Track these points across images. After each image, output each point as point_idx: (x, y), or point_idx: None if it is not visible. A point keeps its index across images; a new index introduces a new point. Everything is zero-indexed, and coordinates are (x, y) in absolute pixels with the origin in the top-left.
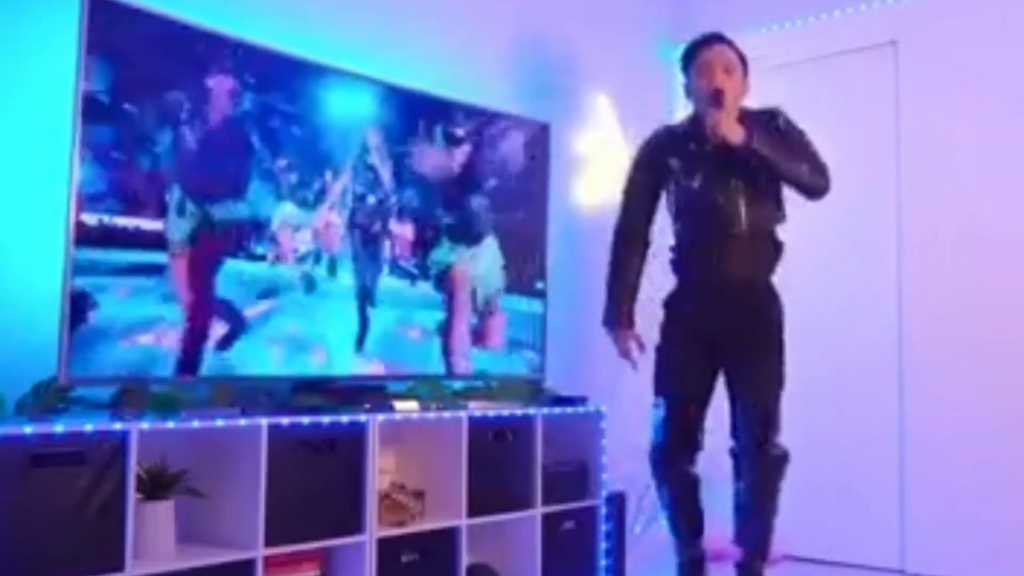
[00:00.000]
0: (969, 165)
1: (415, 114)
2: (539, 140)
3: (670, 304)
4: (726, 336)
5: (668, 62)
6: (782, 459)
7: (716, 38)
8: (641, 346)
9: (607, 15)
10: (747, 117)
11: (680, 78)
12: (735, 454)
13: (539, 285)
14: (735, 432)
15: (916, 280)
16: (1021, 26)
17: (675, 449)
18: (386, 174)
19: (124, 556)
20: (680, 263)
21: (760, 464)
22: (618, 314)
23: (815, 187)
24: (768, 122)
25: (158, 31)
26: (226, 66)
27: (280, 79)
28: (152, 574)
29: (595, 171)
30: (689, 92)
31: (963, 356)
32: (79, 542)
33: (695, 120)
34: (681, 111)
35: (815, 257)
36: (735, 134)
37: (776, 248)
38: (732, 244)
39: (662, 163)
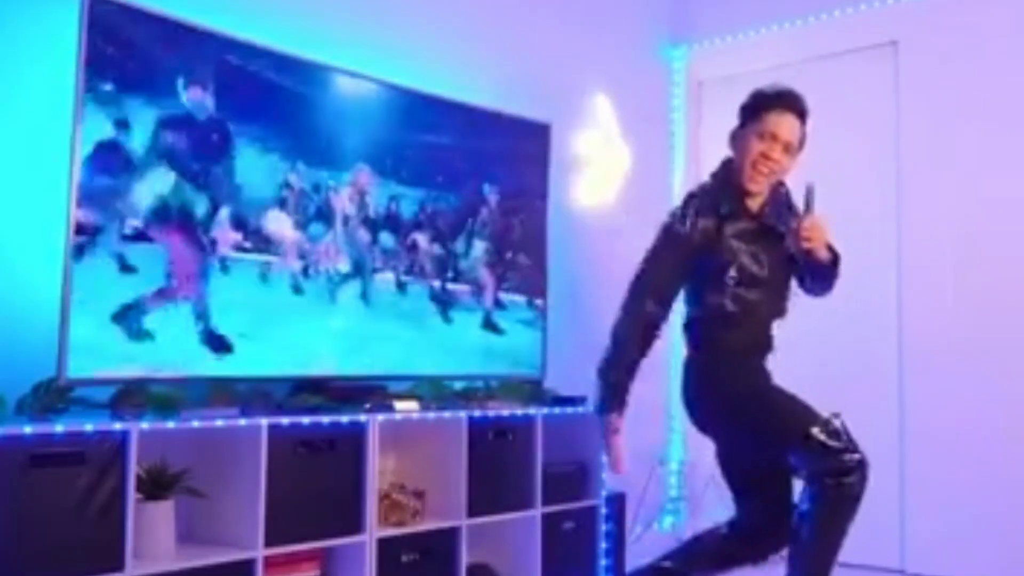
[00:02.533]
0: (969, 165)
1: (415, 114)
2: (539, 140)
3: (729, 354)
4: None
5: (668, 62)
6: None
7: (794, 105)
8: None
9: (607, 15)
10: (779, 192)
11: (735, 119)
12: None
13: (539, 285)
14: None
15: (916, 280)
16: (1021, 26)
17: None
18: (387, 175)
19: (124, 556)
20: (727, 326)
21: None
22: (619, 401)
23: (828, 292)
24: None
25: (158, 31)
26: (227, 66)
27: (281, 79)
28: (152, 574)
29: (595, 171)
30: (735, 139)
31: (963, 357)
32: (79, 542)
33: (733, 187)
34: (682, 117)
35: None
36: (823, 251)
37: None
38: (771, 324)
39: (716, 239)
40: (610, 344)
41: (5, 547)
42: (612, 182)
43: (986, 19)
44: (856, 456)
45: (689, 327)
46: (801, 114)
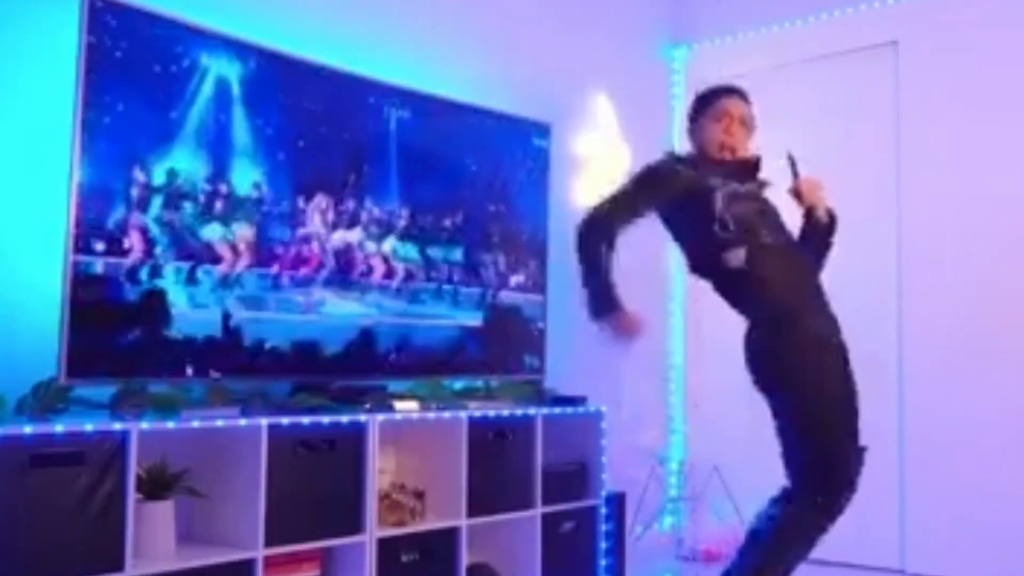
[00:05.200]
0: (969, 165)
1: (415, 114)
2: (539, 140)
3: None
4: None
5: (668, 62)
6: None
7: (736, 89)
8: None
9: (607, 16)
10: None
11: (685, 123)
12: None
13: (539, 285)
14: None
15: (916, 280)
16: (1021, 26)
17: None
18: (387, 173)
19: (124, 556)
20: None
21: None
22: (612, 297)
23: (821, 262)
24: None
25: (158, 31)
26: (228, 66)
27: (281, 78)
28: (152, 574)
29: (595, 171)
30: (693, 134)
31: (963, 356)
32: (79, 542)
33: (706, 157)
34: (682, 115)
35: None
36: (821, 210)
37: None
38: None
39: (697, 180)
40: (580, 264)
41: (5, 547)
42: (612, 182)
43: (986, 19)
44: (849, 500)
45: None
46: (743, 96)
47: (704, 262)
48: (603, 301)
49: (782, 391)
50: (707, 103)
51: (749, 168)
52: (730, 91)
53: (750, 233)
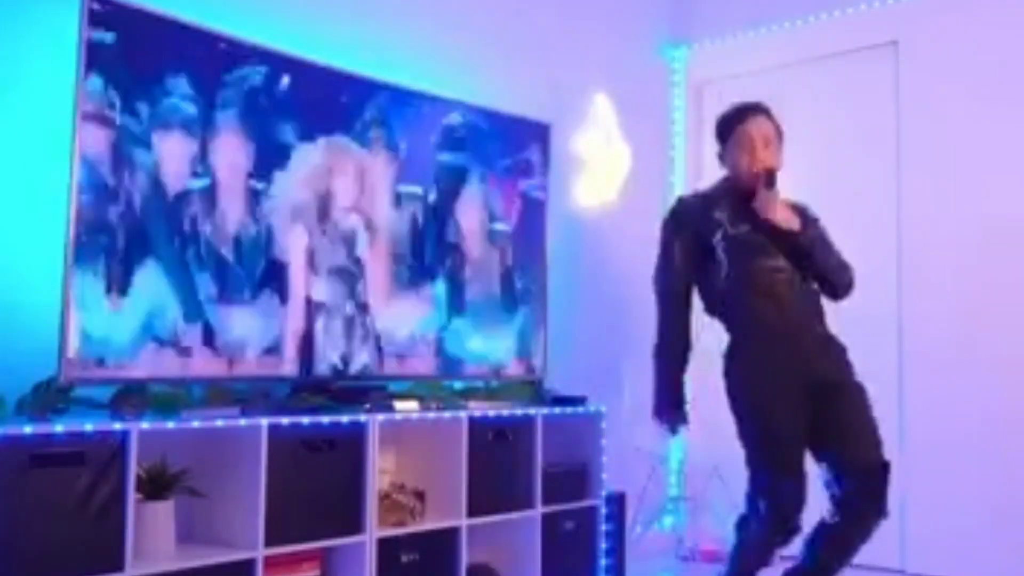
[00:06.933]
0: (970, 165)
1: (415, 113)
2: (539, 140)
3: (742, 355)
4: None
5: (668, 62)
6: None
7: (755, 108)
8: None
9: (607, 15)
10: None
11: (715, 146)
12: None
13: (539, 285)
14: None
15: (916, 281)
16: (1021, 26)
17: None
18: (387, 172)
19: (124, 556)
20: (737, 310)
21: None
22: (675, 401)
23: (841, 283)
24: (802, 212)
25: (158, 31)
26: (226, 65)
27: (281, 78)
28: (152, 574)
29: (595, 171)
30: (724, 160)
31: (963, 357)
32: (79, 542)
33: (730, 185)
34: (682, 117)
35: None
36: (788, 221)
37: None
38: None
39: (706, 218)
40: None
41: (5, 547)
42: (612, 182)
43: (986, 19)
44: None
45: None
46: (763, 111)
47: None
48: (669, 401)
49: None
50: (729, 129)
51: (763, 183)
52: (750, 111)
53: None
